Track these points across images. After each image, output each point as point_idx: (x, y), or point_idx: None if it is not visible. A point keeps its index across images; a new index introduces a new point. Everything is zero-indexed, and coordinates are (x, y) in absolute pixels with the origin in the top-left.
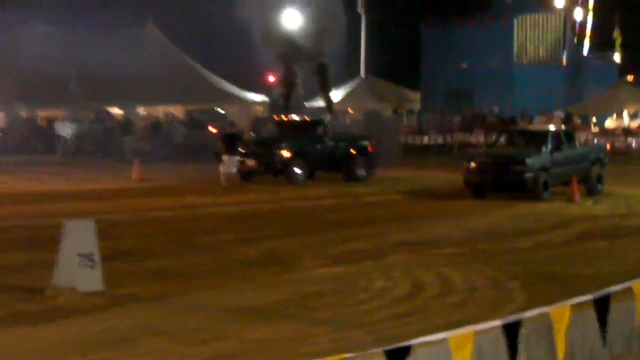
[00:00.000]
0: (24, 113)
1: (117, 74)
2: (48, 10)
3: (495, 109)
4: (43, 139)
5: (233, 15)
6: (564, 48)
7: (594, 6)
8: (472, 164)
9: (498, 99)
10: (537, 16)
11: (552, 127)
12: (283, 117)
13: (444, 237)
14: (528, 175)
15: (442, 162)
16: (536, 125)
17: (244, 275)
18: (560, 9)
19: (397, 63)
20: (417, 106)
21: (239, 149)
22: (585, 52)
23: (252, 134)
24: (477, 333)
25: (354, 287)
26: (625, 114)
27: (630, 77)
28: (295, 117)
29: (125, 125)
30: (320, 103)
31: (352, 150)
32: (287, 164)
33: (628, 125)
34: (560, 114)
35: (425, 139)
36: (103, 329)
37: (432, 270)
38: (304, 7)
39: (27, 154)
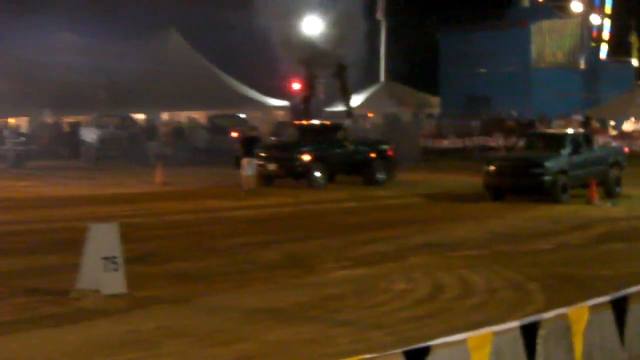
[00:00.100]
0: (49, 119)
1: (141, 80)
2: (75, 20)
3: (514, 113)
4: (68, 144)
5: (254, 22)
6: (581, 53)
7: (611, 11)
8: (492, 167)
9: (516, 103)
10: (554, 21)
11: (570, 131)
12: (304, 121)
13: (464, 239)
14: (547, 178)
15: (461, 166)
16: (555, 129)
17: (265, 278)
18: (578, 14)
19: (417, 69)
20: (436, 111)
21: (259, 152)
22: (602, 56)
23: (272, 138)
24: (495, 334)
25: (375, 289)
26: None
27: None
28: (315, 121)
29: (149, 130)
30: (340, 108)
31: (372, 154)
32: (308, 168)
33: None
34: (578, 117)
35: (445, 143)
36: (126, 330)
37: (452, 272)
38: (323, 13)
39: (52, 159)
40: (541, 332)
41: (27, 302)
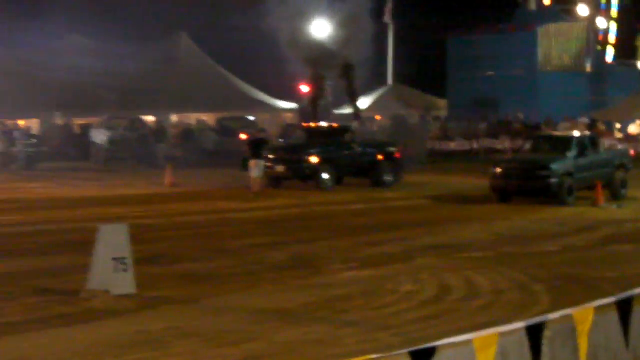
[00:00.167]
0: (60, 121)
1: (151, 83)
2: (86, 24)
3: (521, 116)
4: (78, 146)
5: (264, 24)
6: (587, 56)
7: (617, 14)
8: (498, 170)
9: (523, 106)
10: (561, 25)
11: (576, 133)
12: (312, 124)
13: (470, 241)
14: (553, 180)
15: (468, 168)
16: (561, 132)
17: (274, 279)
18: (584, 18)
19: (424, 71)
20: (443, 113)
21: (267, 154)
22: (609, 59)
23: (280, 140)
24: (501, 335)
25: (382, 290)
26: None
27: None
28: (323, 124)
29: (158, 132)
30: (348, 110)
31: (379, 157)
32: (316, 170)
33: None
34: (585, 120)
35: (452, 145)
36: (136, 330)
37: (458, 273)
38: (331, 14)
39: (63, 160)
40: (547, 333)
41: (37, 302)
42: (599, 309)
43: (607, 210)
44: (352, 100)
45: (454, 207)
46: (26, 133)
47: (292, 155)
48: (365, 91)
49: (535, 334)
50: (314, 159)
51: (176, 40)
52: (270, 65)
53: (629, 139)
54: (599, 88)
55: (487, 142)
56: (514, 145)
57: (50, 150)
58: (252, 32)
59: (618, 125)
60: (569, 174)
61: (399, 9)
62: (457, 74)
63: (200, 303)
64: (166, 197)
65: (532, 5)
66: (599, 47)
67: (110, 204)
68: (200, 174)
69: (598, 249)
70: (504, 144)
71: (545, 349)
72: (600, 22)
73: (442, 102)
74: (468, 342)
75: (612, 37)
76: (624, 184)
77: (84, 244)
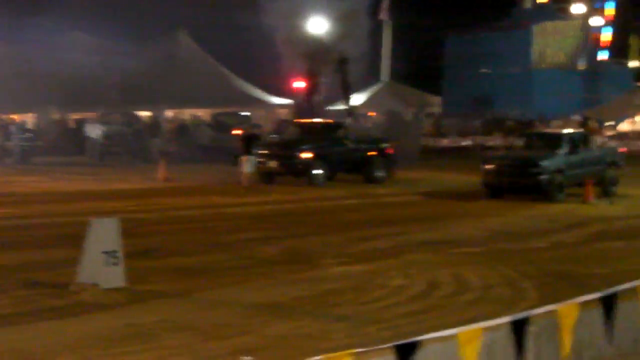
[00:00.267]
0: (55, 115)
1: (147, 78)
2: (84, 19)
3: (515, 113)
4: (73, 140)
5: (260, 20)
6: (582, 54)
7: (611, 14)
8: (490, 166)
9: (517, 103)
10: (555, 23)
11: (567, 130)
12: (305, 120)
13: (461, 237)
14: (543, 177)
15: (461, 164)
16: (553, 128)
17: (266, 273)
18: (579, 16)
19: (419, 69)
20: (437, 110)
21: (260, 150)
22: (602, 58)
23: (273, 136)
24: (485, 329)
25: (372, 284)
26: None
27: None
28: (316, 120)
29: (153, 127)
30: (342, 106)
31: (372, 152)
32: (308, 165)
33: None
34: (577, 117)
35: (445, 142)
36: (126, 324)
37: (448, 269)
38: (327, 9)
39: (58, 155)
40: (533, 329)
41: (27, 295)
42: (583, 305)
43: (597, 207)
44: (346, 95)
45: (446, 203)
46: (21, 127)
47: (284, 150)
48: (360, 87)
49: (520, 328)
50: (307, 155)
51: (174, 36)
52: (265, 61)
53: (621, 136)
54: (593, 86)
55: (481, 139)
56: (506, 142)
57: (45, 144)
58: (249, 28)
59: (610, 123)
60: (560, 171)
61: (396, 6)
62: (453, 71)
63: (192, 297)
64: (160, 192)
65: (528, 4)
66: (593, 46)
67: (104, 198)
68: (195, 169)
69: (588, 245)
70: (496, 141)
71: (530, 344)
72: (595, 21)
73: (436, 99)
74: (453, 337)
75: (606, 36)
76: (614, 181)
77: (77, 238)
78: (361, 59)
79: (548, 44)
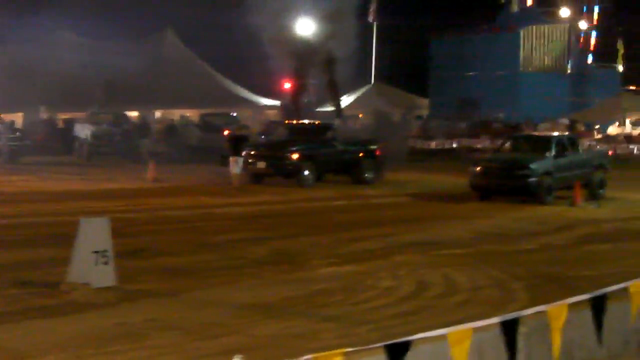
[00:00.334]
0: (44, 115)
1: (136, 78)
2: (73, 19)
3: (501, 116)
4: (62, 140)
5: (247, 21)
6: (568, 58)
7: (598, 18)
8: (478, 168)
9: (504, 106)
10: (543, 27)
11: (555, 133)
12: (293, 121)
13: (450, 239)
14: (532, 179)
15: (448, 167)
16: (541, 132)
17: (255, 273)
18: (566, 20)
19: (407, 71)
20: (425, 112)
21: (249, 151)
22: (589, 61)
23: (262, 137)
24: (475, 330)
25: (361, 285)
26: (627, 121)
27: (633, 87)
28: (305, 121)
29: (142, 127)
30: (331, 108)
31: (360, 154)
32: (297, 166)
33: (630, 133)
34: (564, 121)
35: (433, 144)
36: (116, 323)
37: (437, 270)
38: (314, 8)
39: (46, 154)
40: (524, 329)
41: (17, 294)
42: (573, 306)
43: (585, 210)
44: (334, 96)
45: (435, 204)
46: (10, 126)
47: (273, 151)
48: (348, 89)
49: (510, 329)
50: (296, 156)
51: (161, 36)
52: (253, 62)
53: (608, 139)
54: (580, 89)
55: (468, 142)
56: (494, 145)
57: (34, 144)
58: (237, 29)
59: (597, 126)
60: (548, 174)
61: (383, 8)
62: (440, 73)
63: (181, 296)
64: (149, 192)
65: (515, 7)
66: (580, 50)
67: (93, 197)
68: (183, 170)
69: (576, 247)
70: (484, 143)
71: (521, 345)
72: (582, 25)
73: (424, 101)
74: (443, 337)
75: (592, 40)
76: (602, 184)
77: (66, 237)
78: (349, 60)
79: (534, 47)
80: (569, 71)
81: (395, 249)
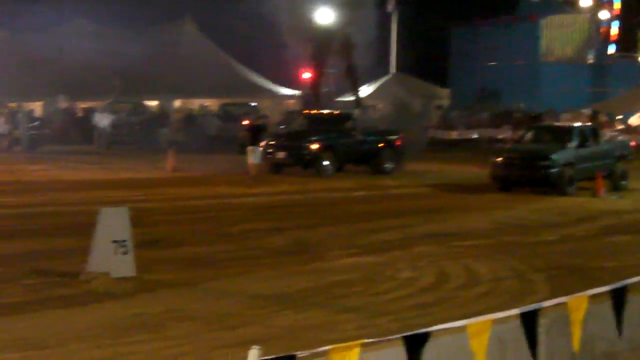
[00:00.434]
0: (63, 104)
1: (155, 67)
2: (91, 8)
3: (522, 106)
4: (81, 129)
5: (267, 11)
6: (589, 48)
7: (620, 7)
8: (499, 159)
9: (525, 96)
10: (563, 17)
11: (577, 124)
12: (313, 111)
13: (470, 230)
14: (553, 170)
15: (469, 157)
16: (563, 122)
17: (273, 264)
18: (587, 10)
19: (427, 61)
20: (445, 102)
21: (269, 141)
22: (610, 51)
23: (281, 127)
24: (495, 321)
25: (381, 276)
26: None
27: None
28: (325, 111)
29: (161, 117)
30: (350, 98)
31: (380, 144)
32: (317, 156)
33: None
34: (587, 111)
35: (453, 134)
36: (134, 313)
37: (457, 261)
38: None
39: (65, 143)
40: (544, 321)
41: (37, 284)
42: (594, 298)
43: (607, 201)
44: (353, 83)
45: (454, 195)
46: (29, 115)
47: (293, 141)
48: (369, 79)
49: (530, 321)
50: (315, 146)
51: (180, 25)
52: (273, 51)
53: (630, 130)
54: (601, 80)
55: (489, 132)
56: (515, 135)
57: (53, 133)
58: (256, 18)
59: (619, 117)
60: (570, 164)
61: None
62: (460, 63)
63: (199, 287)
64: (168, 181)
65: None
66: (601, 39)
67: (112, 187)
68: (202, 159)
69: (597, 239)
70: (505, 133)
71: (541, 337)
72: (603, 15)
73: (445, 91)
74: (462, 328)
75: (614, 30)
76: (624, 175)
77: (85, 227)
78: (368, 48)
79: (555, 37)
80: (590, 61)
81: (415, 239)
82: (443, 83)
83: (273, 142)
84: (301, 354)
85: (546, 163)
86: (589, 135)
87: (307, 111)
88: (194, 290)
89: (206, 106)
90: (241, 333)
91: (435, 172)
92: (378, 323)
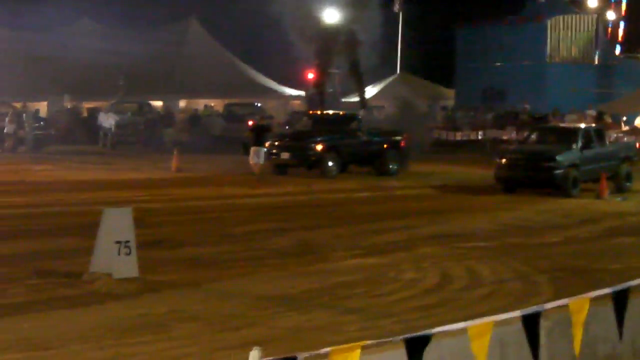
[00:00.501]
0: (68, 104)
1: (160, 67)
2: (96, 7)
3: (528, 107)
4: (86, 129)
5: (272, 11)
6: (596, 48)
7: (626, 8)
8: (504, 160)
9: (531, 97)
10: (570, 17)
11: (582, 125)
12: (318, 111)
13: (474, 231)
14: (558, 171)
15: (474, 158)
16: (567, 123)
17: (277, 265)
18: (593, 10)
19: (433, 61)
20: (451, 103)
21: (273, 141)
22: (617, 52)
23: (286, 127)
24: (496, 324)
25: (384, 277)
26: None
27: None
28: (329, 111)
29: (166, 117)
30: (355, 99)
31: (384, 145)
32: (321, 157)
33: None
34: (592, 112)
35: (458, 135)
36: (137, 314)
37: (461, 262)
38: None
39: (70, 143)
40: (546, 324)
41: (40, 284)
42: (595, 300)
43: (611, 203)
44: (358, 81)
45: (459, 196)
46: (34, 115)
47: (297, 142)
48: (374, 79)
49: (531, 323)
50: (320, 147)
51: (185, 25)
52: (278, 52)
53: (635, 131)
54: (607, 81)
55: (494, 133)
56: (520, 136)
57: (58, 133)
58: (261, 18)
59: (624, 118)
60: (574, 166)
61: None
62: (465, 63)
63: (203, 287)
64: (172, 182)
65: None
66: (608, 40)
67: (116, 187)
68: (207, 159)
69: (601, 241)
70: (510, 134)
71: (543, 340)
72: (610, 15)
73: (450, 92)
74: (463, 330)
75: (621, 31)
76: (629, 177)
77: (89, 227)
78: (374, 47)
79: (561, 38)
80: (596, 62)
81: (418, 241)
82: (448, 83)
83: (277, 143)
84: (302, 355)
85: (551, 164)
86: (594, 137)
87: (311, 112)
88: (197, 291)
89: (211, 106)
90: (245, 334)
91: (439, 173)
92: (381, 324)
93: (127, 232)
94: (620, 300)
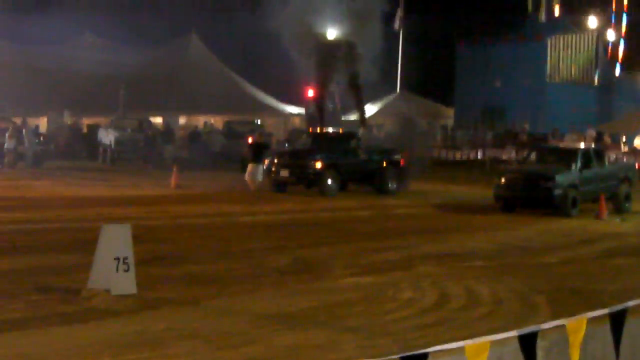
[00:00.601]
0: (68, 120)
1: (160, 84)
2: (96, 23)
3: (527, 126)
4: (85, 145)
5: (273, 27)
6: (596, 68)
7: (626, 28)
8: (503, 180)
9: (530, 117)
10: (570, 36)
11: (581, 145)
12: (317, 129)
13: (473, 250)
14: (557, 192)
15: (473, 177)
16: (567, 143)
17: (276, 282)
18: (593, 30)
19: (433, 80)
20: (450, 122)
21: (273, 159)
22: (617, 72)
23: (285, 145)
24: (493, 343)
25: (383, 296)
26: None
27: None
28: (329, 129)
29: (166, 133)
30: (355, 117)
31: (384, 163)
32: (320, 175)
33: None
34: (591, 132)
35: (458, 155)
36: (135, 331)
37: (459, 282)
38: (339, 11)
39: (70, 159)
40: (543, 343)
41: (38, 300)
42: (593, 320)
43: (610, 224)
44: (357, 97)
45: (458, 216)
46: (34, 131)
47: (297, 160)
48: (374, 98)
49: (528, 343)
50: (319, 165)
51: (187, 42)
52: (278, 69)
53: (635, 152)
54: (607, 100)
55: (493, 152)
56: (519, 156)
57: (58, 148)
58: (261, 35)
59: (624, 138)
60: (573, 186)
61: (409, 16)
62: (465, 82)
63: (201, 305)
64: (172, 199)
65: (543, 16)
66: (608, 60)
67: (116, 204)
68: (206, 176)
69: (600, 261)
70: (509, 154)
71: (540, 359)
72: (610, 35)
73: (449, 111)
74: (460, 349)
75: (621, 50)
76: (628, 198)
77: (88, 243)
78: (374, 64)
79: (561, 57)
80: (596, 82)
81: (417, 260)
82: (448, 102)
83: (277, 160)
84: None
85: (550, 184)
86: (593, 157)
87: (311, 129)
88: (195, 308)
89: (211, 123)
90: (243, 352)
91: (438, 192)
92: (379, 343)
93: (125, 249)
94: (617, 321)
